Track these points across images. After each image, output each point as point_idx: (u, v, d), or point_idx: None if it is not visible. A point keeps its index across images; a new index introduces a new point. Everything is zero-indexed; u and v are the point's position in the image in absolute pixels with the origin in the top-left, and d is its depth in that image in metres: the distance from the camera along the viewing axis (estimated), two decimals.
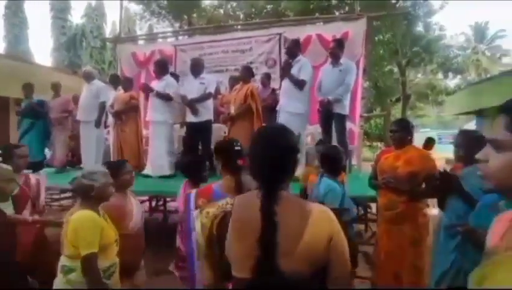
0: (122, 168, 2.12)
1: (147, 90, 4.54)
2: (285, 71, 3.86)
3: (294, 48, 3.99)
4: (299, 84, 3.75)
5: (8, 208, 1.81)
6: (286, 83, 3.95)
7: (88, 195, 1.76)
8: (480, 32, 23.74)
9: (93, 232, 1.64)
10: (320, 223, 0.92)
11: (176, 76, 5.05)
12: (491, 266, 0.58)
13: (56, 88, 5.59)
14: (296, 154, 1.00)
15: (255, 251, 0.87)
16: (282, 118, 3.96)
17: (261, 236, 0.87)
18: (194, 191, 1.70)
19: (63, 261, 1.71)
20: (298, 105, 3.85)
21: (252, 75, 4.45)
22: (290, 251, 0.88)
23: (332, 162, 2.44)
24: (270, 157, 0.96)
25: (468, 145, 2.15)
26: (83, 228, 1.64)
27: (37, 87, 5.54)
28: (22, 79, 5.87)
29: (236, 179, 1.65)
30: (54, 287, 1.70)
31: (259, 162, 0.97)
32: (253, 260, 0.87)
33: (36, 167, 4.72)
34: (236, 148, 1.72)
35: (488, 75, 17.57)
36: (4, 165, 1.74)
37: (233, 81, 4.94)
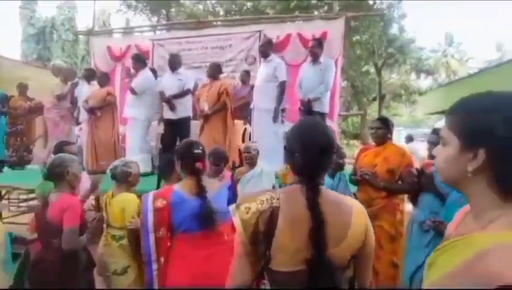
0: None
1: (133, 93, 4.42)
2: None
3: (267, 47, 4.08)
4: (282, 86, 3.88)
5: None
6: (259, 81, 4.01)
7: (126, 180, 2.29)
8: (449, 36, 24.94)
9: (134, 209, 2.15)
10: (360, 217, 1.01)
11: (154, 71, 4.91)
12: (436, 252, 0.66)
13: (22, 88, 5.18)
14: (334, 151, 1.05)
15: (307, 244, 0.92)
16: (256, 116, 4.01)
17: (312, 231, 0.92)
18: (150, 194, 1.71)
19: (113, 231, 2.24)
20: (270, 102, 3.91)
21: (220, 72, 4.44)
22: (339, 242, 0.95)
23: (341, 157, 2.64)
24: (317, 154, 0.98)
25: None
26: (129, 207, 2.18)
27: (2, 81, 5.19)
28: None
29: (196, 180, 1.68)
30: (103, 251, 2.26)
31: (304, 159, 0.99)
32: (304, 253, 0.93)
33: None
34: (195, 151, 1.72)
35: (457, 77, 18.51)
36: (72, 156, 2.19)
37: None
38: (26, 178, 4.24)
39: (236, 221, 0.99)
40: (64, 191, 1.95)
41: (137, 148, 4.36)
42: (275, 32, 5.56)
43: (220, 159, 2.67)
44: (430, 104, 13.22)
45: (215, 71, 4.26)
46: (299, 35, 5.44)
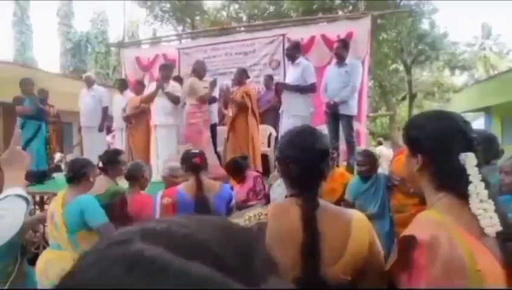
0: None
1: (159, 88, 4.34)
2: (283, 90, 3.87)
3: (294, 50, 4.02)
4: (310, 89, 3.81)
5: None
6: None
7: None
8: (486, 28, 23.42)
9: None
10: (361, 231, 0.92)
11: (180, 79, 5.04)
12: None
13: (43, 94, 5.19)
14: (329, 158, 0.98)
15: (297, 262, 0.84)
16: (285, 120, 3.97)
17: (304, 247, 0.84)
18: (160, 192, 1.95)
19: None
20: (301, 107, 3.85)
21: (247, 77, 4.45)
22: (334, 261, 0.86)
23: (358, 164, 2.74)
24: (311, 162, 0.92)
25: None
26: None
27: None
28: None
29: (196, 178, 1.87)
30: None
31: (300, 168, 0.93)
32: (295, 271, 0.84)
33: (43, 177, 4.45)
34: (192, 151, 2.00)
35: (496, 72, 17.31)
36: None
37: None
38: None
39: None
40: (138, 191, 2.32)
41: (176, 155, 4.47)
42: (298, 35, 5.52)
43: (239, 169, 2.80)
44: (467, 102, 12.46)
45: (241, 77, 4.30)
46: (324, 37, 5.36)
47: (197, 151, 1.99)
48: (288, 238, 0.87)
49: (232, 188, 2.41)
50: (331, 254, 0.86)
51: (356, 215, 0.95)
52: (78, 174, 2.05)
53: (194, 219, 0.30)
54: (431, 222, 0.81)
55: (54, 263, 1.93)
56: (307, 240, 0.85)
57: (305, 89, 3.80)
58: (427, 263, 0.74)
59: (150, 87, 4.68)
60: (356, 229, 0.90)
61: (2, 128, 9.32)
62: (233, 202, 1.99)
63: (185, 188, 1.89)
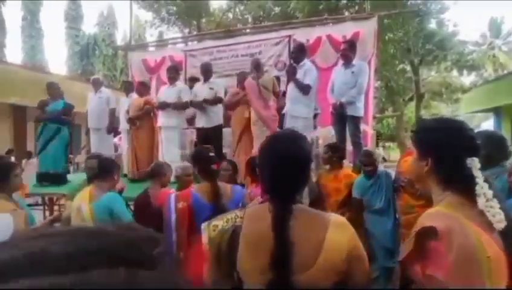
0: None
1: (164, 107, 4.50)
2: (290, 75, 3.85)
3: (300, 53, 3.99)
4: (304, 88, 3.75)
5: None
6: (291, 87, 3.96)
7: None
8: (495, 27, 23.06)
9: None
10: (338, 236, 0.88)
11: (196, 80, 5.01)
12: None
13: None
14: (310, 163, 0.96)
15: (269, 267, 0.83)
16: (288, 122, 3.99)
17: (273, 253, 0.83)
18: (173, 195, 1.87)
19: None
20: (303, 109, 3.84)
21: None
22: (307, 267, 0.84)
23: (364, 164, 2.84)
24: (284, 167, 0.90)
25: (488, 146, 2.05)
26: None
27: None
28: (38, 88, 5.95)
29: (212, 183, 1.81)
30: None
31: (271, 173, 0.91)
32: (266, 276, 0.83)
33: (59, 179, 4.44)
34: (210, 154, 1.91)
35: (505, 71, 17.04)
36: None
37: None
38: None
39: (204, 238, 0.96)
40: (158, 187, 2.46)
41: (180, 156, 4.52)
42: (304, 36, 5.52)
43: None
44: (476, 102, 12.31)
45: (243, 80, 4.32)
46: (330, 38, 5.35)
47: (214, 155, 1.90)
48: (260, 242, 0.87)
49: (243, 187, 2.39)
50: (303, 261, 0.84)
51: (334, 220, 0.92)
52: (105, 171, 2.21)
53: (57, 231, 0.29)
54: (443, 215, 0.88)
55: None
56: (277, 248, 0.83)
57: (300, 86, 3.75)
58: (446, 250, 0.81)
59: (161, 91, 4.73)
60: (332, 234, 0.87)
61: (13, 129, 9.53)
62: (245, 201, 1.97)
63: (198, 191, 1.83)
